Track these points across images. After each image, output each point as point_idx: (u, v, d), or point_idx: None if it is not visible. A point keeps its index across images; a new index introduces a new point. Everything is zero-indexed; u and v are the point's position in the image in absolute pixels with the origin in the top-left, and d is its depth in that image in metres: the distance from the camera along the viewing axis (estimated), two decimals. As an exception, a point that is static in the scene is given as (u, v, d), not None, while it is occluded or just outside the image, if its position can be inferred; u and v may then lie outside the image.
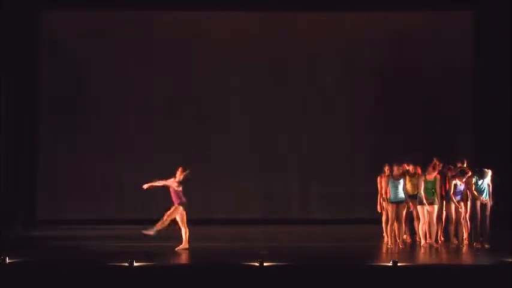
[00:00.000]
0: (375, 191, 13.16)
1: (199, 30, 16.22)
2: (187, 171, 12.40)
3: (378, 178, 13.07)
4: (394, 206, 12.62)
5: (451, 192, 12.61)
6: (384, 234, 13.13)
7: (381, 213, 13.19)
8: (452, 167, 12.95)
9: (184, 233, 12.34)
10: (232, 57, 16.31)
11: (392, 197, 12.61)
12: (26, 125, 15.73)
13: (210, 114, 16.26)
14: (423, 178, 12.71)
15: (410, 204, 12.67)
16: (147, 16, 16.18)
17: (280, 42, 16.23)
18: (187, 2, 15.92)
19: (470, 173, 12.61)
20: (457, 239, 12.76)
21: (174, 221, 12.46)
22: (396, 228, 12.67)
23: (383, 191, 12.88)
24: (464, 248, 12.42)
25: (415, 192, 12.71)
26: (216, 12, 16.09)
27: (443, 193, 12.74)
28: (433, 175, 12.69)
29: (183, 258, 11.77)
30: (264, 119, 16.26)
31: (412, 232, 13.21)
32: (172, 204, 12.40)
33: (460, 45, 16.18)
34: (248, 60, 16.33)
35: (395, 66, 16.26)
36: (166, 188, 12.45)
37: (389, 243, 12.68)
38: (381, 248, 12.75)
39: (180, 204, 12.38)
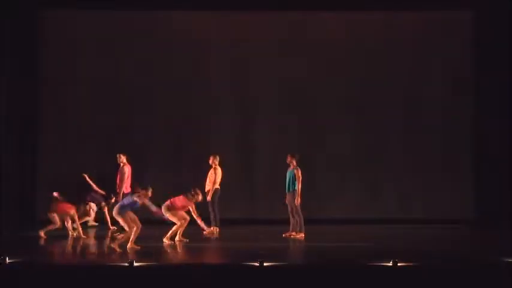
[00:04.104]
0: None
1: (199, 30, 16.23)
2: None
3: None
4: None
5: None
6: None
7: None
8: None
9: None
10: (232, 57, 16.33)
11: None
12: (26, 125, 15.73)
13: (211, 114, 16.28)
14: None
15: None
16: (147, 16, 16.18)
17: (282, 43, 16.26)
18: (187, 2, 15.92)
19: None
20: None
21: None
22: None
23: None
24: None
25: None
26: (216, 12, 16.12)
27: None
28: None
29: (183, 259, 11.78)
30: (269, 120, 16.34)
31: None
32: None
33: (459, 47, 16.17)
34: (246, 60, 16.36)
35: (394, 67, 16.25)
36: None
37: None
38: (380, 248, 12.74)
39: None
